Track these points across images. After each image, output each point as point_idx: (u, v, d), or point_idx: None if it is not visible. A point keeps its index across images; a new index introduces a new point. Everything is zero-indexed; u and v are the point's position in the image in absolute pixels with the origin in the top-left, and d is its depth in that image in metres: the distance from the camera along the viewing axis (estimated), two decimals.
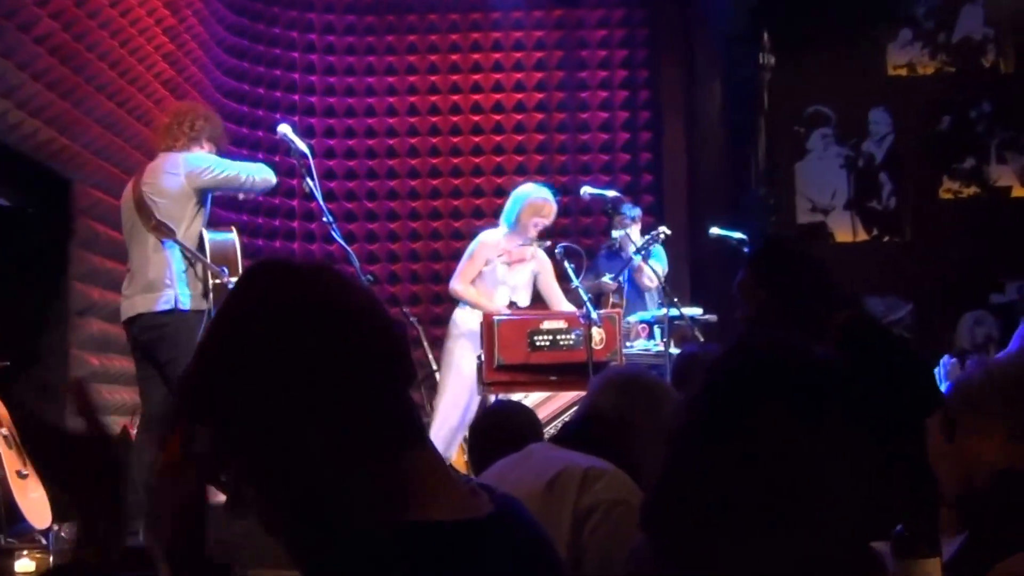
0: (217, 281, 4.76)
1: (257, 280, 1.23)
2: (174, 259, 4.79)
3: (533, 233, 5.97)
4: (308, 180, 5.00)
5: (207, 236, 4.88)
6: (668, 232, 6.67)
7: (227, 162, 4.94)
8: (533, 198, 5.99)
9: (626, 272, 6.86)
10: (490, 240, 6.04)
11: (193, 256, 4.80)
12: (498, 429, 3.53)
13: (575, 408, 5.61)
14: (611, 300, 6.74)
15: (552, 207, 6.01)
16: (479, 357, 5.70)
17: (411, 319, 7.34)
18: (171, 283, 4.75)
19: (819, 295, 2.87)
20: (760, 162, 8.49)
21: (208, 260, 4.80)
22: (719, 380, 1.41)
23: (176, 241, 4.81)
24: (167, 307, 4.74)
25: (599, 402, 2.55)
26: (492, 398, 5.75)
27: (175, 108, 5.24)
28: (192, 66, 7.11)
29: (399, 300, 8.17)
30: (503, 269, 5.99)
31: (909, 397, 2.59)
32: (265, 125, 8.14)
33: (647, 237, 6.71)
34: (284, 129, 5.16)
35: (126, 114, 6.15)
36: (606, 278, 6.75)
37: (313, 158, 5.25)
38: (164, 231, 4.79)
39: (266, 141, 8.09)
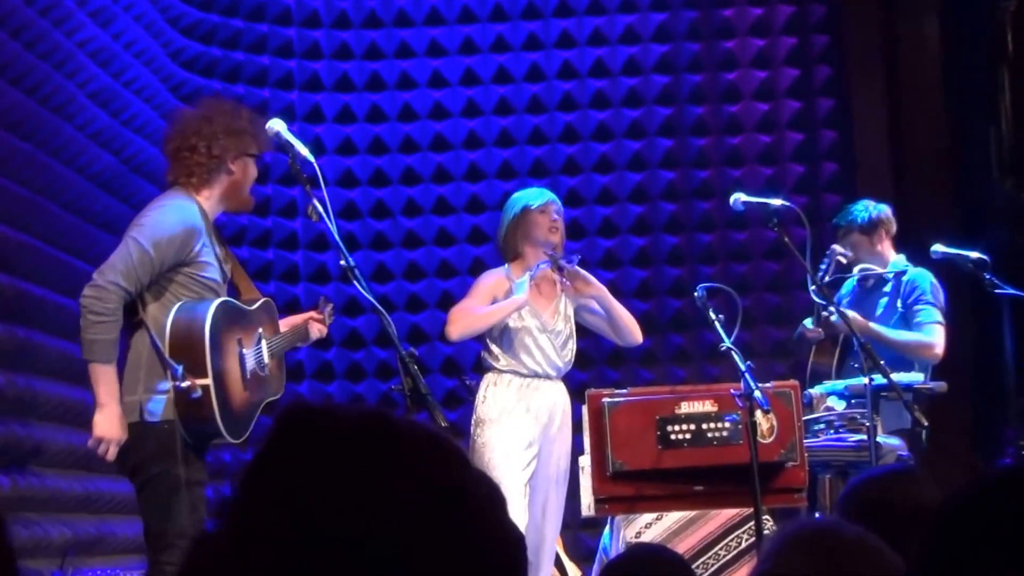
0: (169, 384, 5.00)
1: (291, 455, 1.41)
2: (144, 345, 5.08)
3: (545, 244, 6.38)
4: (314, 200, 5.04)
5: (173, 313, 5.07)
6: (847, 254, 6.74)
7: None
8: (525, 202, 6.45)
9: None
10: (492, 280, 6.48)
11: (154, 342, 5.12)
12: None
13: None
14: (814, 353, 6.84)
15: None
16: (581, 463, 5.84)
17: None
18: (137, 382, 5.07)
19: None
20: (1004, 138, 8.31)
21: (166, 348, 5.01)
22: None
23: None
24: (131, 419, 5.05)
25: (779, 568, 2.52)
26: (609, 524, 6.23)
27: (182, 118, 5.43)
28: (124, 14, 7.00)
29: (457, 365, 8.20)
30: (533, 323, 6.34)
31: None
32: (245, 78, 8.33)
33: (822, 266, 6.72)
34: (277, 126, 5.23)
35: (26, 97, 6.10)
36: (807, 323, 6.78)
37: (319, 158, 5.52)
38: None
39: None
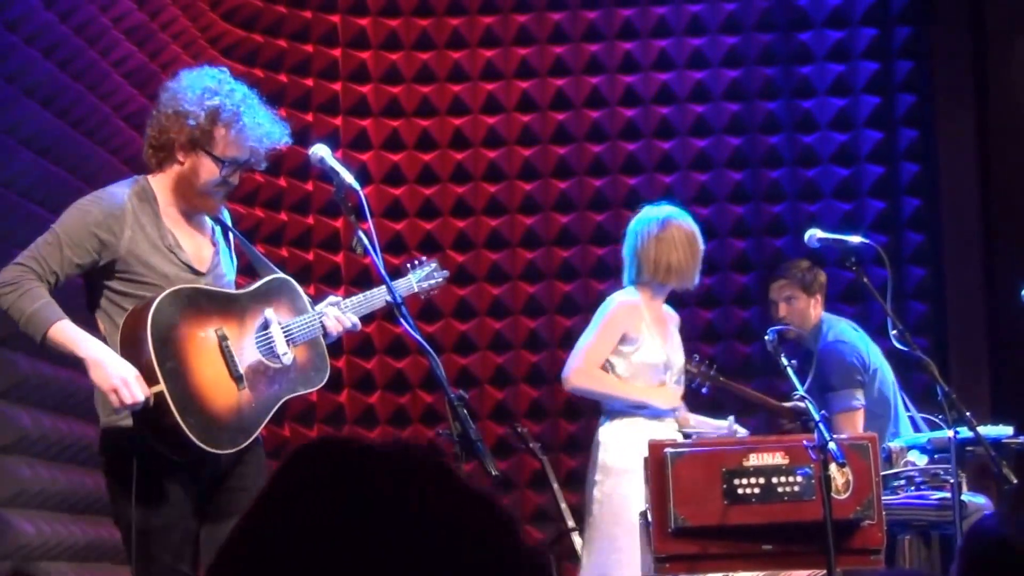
0: None
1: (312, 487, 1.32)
2: None
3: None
4: (360, 233, 4.97)
5: None
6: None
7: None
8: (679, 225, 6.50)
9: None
10: (629, 303, 6.40)
11: None
12: None
13: None
14: None
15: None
16: (644, 514, 5.69)
17: (530, 444, 7.23)
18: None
19: None
20: None
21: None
22: None
23: None
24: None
25: None
26: None
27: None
28: (162, 32, 7.06)
29: (509, 411, 8.08)
30: (658, 345, 6.39)
31: None
32: (288, 100, 8.18)
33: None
34: (321, 152, 5.15)
35: (58, 119, 6.16)
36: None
37: (365, 187, 5.49)
38: None
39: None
